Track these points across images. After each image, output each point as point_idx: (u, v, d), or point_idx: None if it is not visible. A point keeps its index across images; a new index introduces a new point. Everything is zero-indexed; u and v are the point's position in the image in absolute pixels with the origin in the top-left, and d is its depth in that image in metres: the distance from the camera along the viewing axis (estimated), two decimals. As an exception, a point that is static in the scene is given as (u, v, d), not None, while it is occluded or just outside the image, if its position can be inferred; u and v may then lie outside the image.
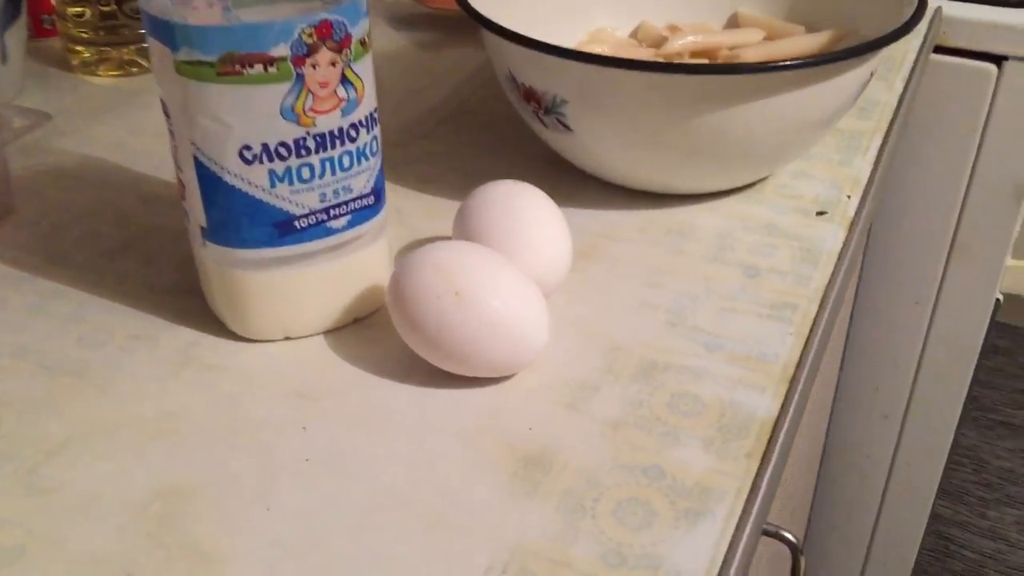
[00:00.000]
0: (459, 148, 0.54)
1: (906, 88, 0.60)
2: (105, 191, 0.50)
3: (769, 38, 0.53)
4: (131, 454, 0.35)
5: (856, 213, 0.48)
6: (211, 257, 0.38)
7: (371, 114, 0.37)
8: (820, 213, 0.48)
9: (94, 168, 0.52)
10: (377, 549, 0.31)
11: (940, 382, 0.89)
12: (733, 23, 0.56)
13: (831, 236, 0.46)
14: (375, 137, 0.38)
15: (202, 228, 0.38)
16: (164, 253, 0.46)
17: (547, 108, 0.46)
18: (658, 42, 0.54)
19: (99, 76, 0.62)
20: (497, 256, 0.37)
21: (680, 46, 0.52)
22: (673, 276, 0.44)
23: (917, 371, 0.89)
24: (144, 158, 0.53)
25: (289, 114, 0.35)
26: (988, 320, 0.85)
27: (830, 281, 0.43)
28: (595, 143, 0.46)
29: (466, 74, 0.62)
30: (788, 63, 0.41)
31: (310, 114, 0.35)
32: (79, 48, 0.62)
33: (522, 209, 0.40)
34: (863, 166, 0.52)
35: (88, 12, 0.60)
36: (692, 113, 0.42)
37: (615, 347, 0.40)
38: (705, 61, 0.52)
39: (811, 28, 0.54)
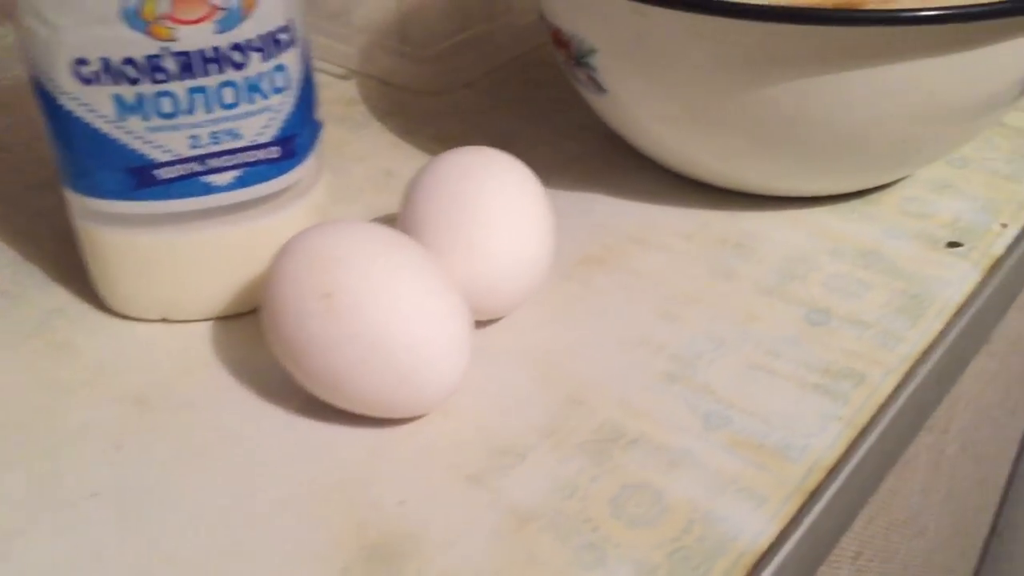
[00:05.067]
0: (499, 105, 0.43)
1: None
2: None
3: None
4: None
5: (1008, 251, 0.33)
6: (73, 206, 0.30)
7: (274, 33, 0.27)
8: (953, 244, 0.33)
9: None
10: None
11: None
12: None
13: (958, 280, 0.32)
14: (282, 67, 0.28)
15: (58, 168, 0.29)
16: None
17: (576, 59, 0.34)
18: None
19: None
20: (408, 249, 0.26)
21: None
22: (704, 307, 0.31)
23: None
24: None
25: (134, 19, 0.25)
26: None
27: (932, 345, 0.29)
28: (632, 112, 0.34)
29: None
30: (939, 10, 0.27)
31: (166, 24, 0.26)
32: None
33: (479, 191, 0.29)
34: (1041, 184, 0.36)
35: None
36: (763, 79, 0.29)
37: (576, 399, 0.28)
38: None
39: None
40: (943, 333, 0.29)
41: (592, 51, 0.33)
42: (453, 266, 0.28)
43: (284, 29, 0.28)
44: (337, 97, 0.44)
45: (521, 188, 0.29)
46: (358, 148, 0.40)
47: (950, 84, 0.29)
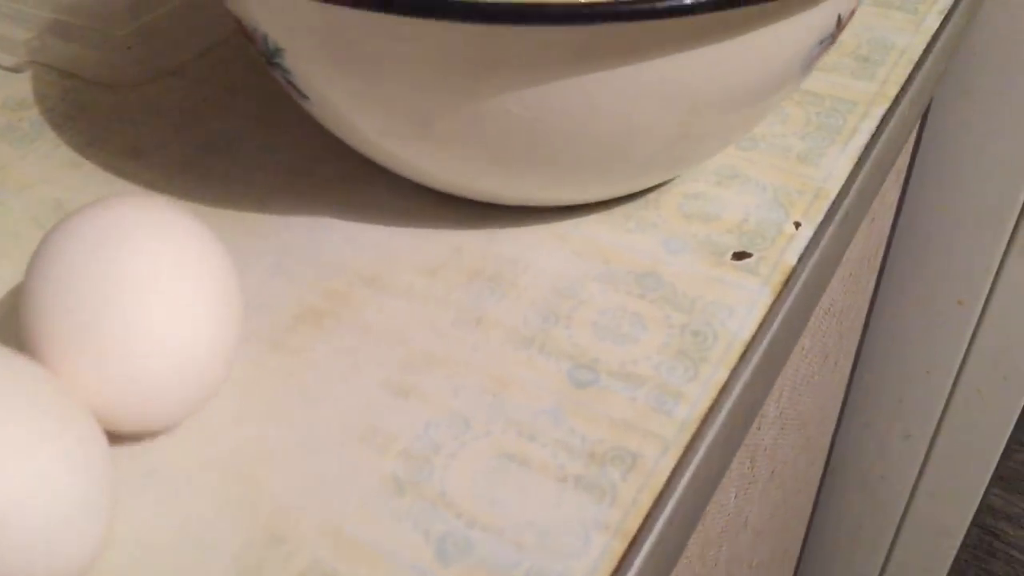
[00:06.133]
0: (214, 98, 0.35)
1: (945, 22, 0.38)
2: None
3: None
4: None
5: (801, 259, 0.28)
6: None
7: None
8: (739, 256, 0.28)
9: None
10: None
11: (983, 399, 0.69)
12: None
13: (745, 306, 0.26)
14: None
15: None
16: None
17: (267, 58, 0.26)
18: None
19: None
20: None
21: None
22: (446, 372, 0.25)
23: (955, 384, 0.69)
24: None
25: None
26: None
27: (715, 404, 0.24)
28: (346, 123, 0.27)
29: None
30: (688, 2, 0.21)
31: None
32: None
33: (118, 268, 0.21)
34: (838, 164, 0.31)
35: None
36: (488, 89, 0.23)
37: (276, 534, 0.21)
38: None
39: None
40: (728, 386, 0.24)
41: (279, 50, 0.25)
42: (79, 380, 0.20)
43: None
44: (2, 99, 0.35)
45: (184, 254, 0.22)
46: (22, 171, 0.32)
47: (716, 76, 0.24)
